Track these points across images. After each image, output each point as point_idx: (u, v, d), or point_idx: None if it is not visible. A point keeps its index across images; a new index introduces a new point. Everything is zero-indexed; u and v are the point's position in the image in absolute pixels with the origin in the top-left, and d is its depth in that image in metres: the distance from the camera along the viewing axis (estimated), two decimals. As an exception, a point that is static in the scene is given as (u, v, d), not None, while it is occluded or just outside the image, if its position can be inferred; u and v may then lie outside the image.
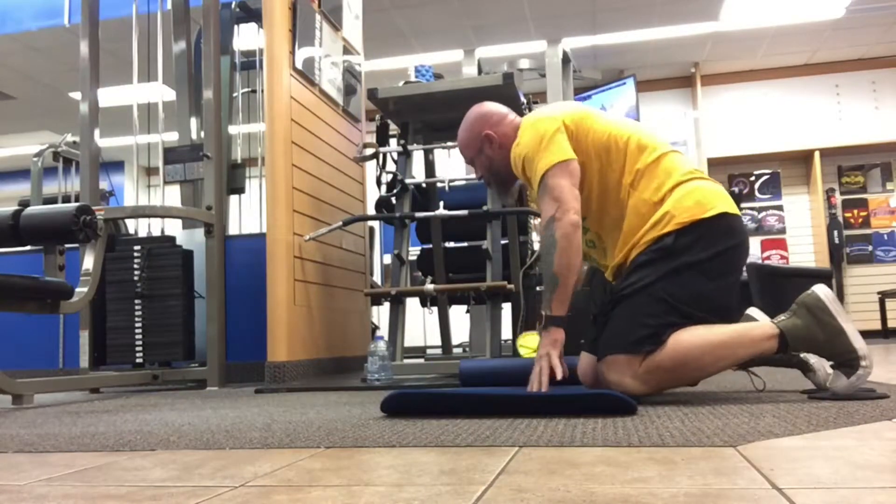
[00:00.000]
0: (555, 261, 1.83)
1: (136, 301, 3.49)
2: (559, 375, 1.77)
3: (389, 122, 3.64)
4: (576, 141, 1.92)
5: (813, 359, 1.81)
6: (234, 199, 4.36)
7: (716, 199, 1.85)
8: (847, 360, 1.70)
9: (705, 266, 1.79)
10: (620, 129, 1.94)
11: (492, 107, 2.17)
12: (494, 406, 1.67)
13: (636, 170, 1.89)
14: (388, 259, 5.64)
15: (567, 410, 1.60)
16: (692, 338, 1.73)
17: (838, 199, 7.49)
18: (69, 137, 5.50)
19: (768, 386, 2.06)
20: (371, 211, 4.08)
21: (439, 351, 4.49)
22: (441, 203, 3.30)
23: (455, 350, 4.52)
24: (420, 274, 4.12)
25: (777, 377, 2.25)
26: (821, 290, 1.74)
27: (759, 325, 1.79)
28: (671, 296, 1.76)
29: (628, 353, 1.75)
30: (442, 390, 1.77)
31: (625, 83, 7.20)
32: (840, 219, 7.41)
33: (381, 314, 5.95)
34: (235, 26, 4.44)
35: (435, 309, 3.67)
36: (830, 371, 1.78)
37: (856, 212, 7.46)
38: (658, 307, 1.76)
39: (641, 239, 1.84)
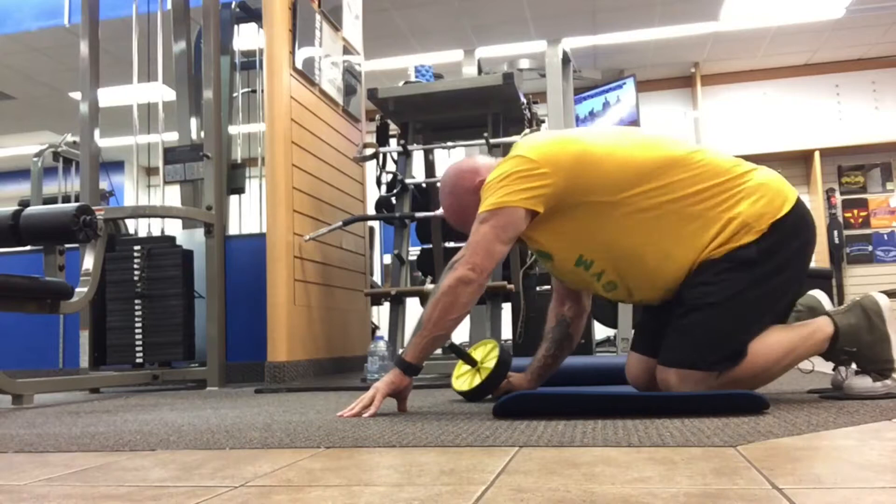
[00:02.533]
0: (429, 308, 1.70)
1: (136, 301, 3.49)
2: (364, 414, 1.67)
3: (389, 122, 3.64)
4: (575, 188, 1.70)
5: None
6: (234, 199, 4.36)
7: (782, 192, 1.72)
8: (880, 368, 1.71)
9: (792, 268, 1.71)
10: (633, 153, 1.72)
11: (464, 164, 1.92)
12: (622, 405, 1.59)
13: (666, 185, 1.68)
14: (388, 259, 5.64)
15: (691, 410, 1.51)
16: (765, 349, 1.68)
17: (838, 199, 7.49)
18: (69, 137, 5.50)
19: (770, 386, 2.06)
20: (371, 211, 4.08)
21: (439, 351, 4.49)
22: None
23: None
24: (420, 274, 4.12)
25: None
26: (881, 297, 1.75)
27: (819, 327, 1.74)
28: (759, 307, 1.67)
29: (707, 371, 1.64)
30: (561, 390, 1.70)
31: (625, 83, 7.20)
32: (840, 219, 7.41)
33: (381, 314, 5.95)
34: (235, 26, 4.44)
35: (435, 309, 3.66)
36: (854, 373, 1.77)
37: (856, 212, 7.46)
38: (745, 321, 1.66)
39: (714, 251, 1.67)
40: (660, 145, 1.75)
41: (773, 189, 1.71)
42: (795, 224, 1.71)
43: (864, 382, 1.71)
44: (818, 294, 1.86)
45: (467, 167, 1.90)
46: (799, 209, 1.72)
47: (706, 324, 1.66)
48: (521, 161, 1.71)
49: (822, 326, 1.75)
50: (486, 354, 1.99)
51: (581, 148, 1.73)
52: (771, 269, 1.67)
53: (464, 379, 2.00)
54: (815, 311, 1.80)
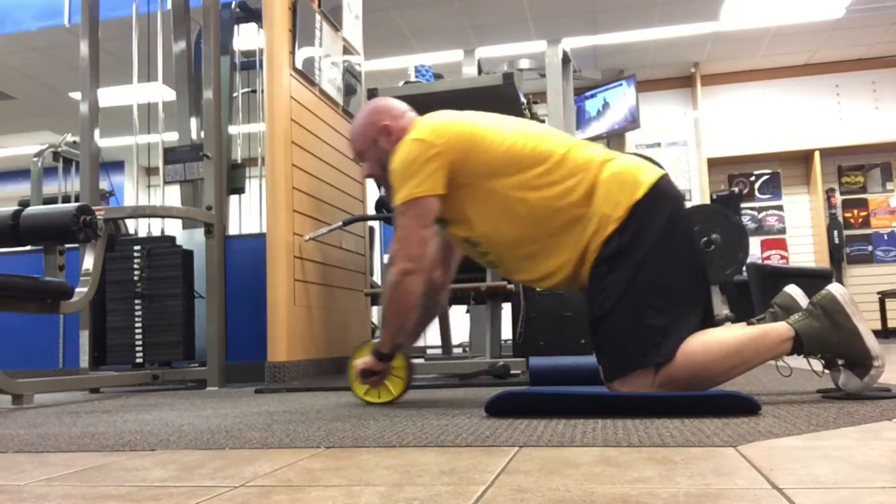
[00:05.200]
0: (385, 305, 1.88)
1: (136, 301, 3.49)
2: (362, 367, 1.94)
3: (389, 122, 3.63)
4: (462, 169, 1.82)
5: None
6: (234, 199, 4.36)
7: (638, 173, 1.77)
8: (860, 361, 1.68)
9: (670, 243, 1.72)
10: (518, 140, 1.83)
11: (393, 101, 2.08)
12: (610, 405, 1.60)
13: (541, 176, 1.78)
14: (388, 259, 5.65)
15: (685, 411, 1.51)
16: (702, 347, 1.67)
17: (838, 199, 7.49)
18: (69, 137, 5.51)
19: (770, 386, 2.06)
20: (371, 211, 4.08)
21: (439, 351, 4.49)
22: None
23: (455, 350, 4.52)
24: (420, 274, 4.11)
25: (777, 377, 2.25)
26: (837, 290, 1.70)
27: (773, 328, 1.72)
28: (653, 290, 1.68)
29: (638, 369, 1.67)
30: (552, 389, 1.70)
31: (625, 83, 7.21)
32: (840, 219, 7.41)
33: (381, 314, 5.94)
34: (235, 26, 4.44)
35: (435, 309, 3.66)
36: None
37: (856, 212, 7.46)
38: (646, 309, 1.68)
39: (588, 249, 1.75)
40: (542, 139, 1.84)
41: (625, 175, 1.76)
42: (654, 200, 1.74)
43: (854, 382, 1.68)
44: (792, 290, 1.81)
45: (382, 108, 2.04)
46: (658, 186, 1.75)
47: (613, 330, 1.72)
48: (417, 145, 1.83)
49: (777, 328, 1.72)
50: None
51: (472, 130, 1.85)
52: (644, 252, 1.71)
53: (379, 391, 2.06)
54: (790, 309, 1.76)
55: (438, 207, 1.84)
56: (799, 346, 1.69)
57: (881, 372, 1.68)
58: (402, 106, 2.07)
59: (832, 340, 1.68)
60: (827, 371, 1.75)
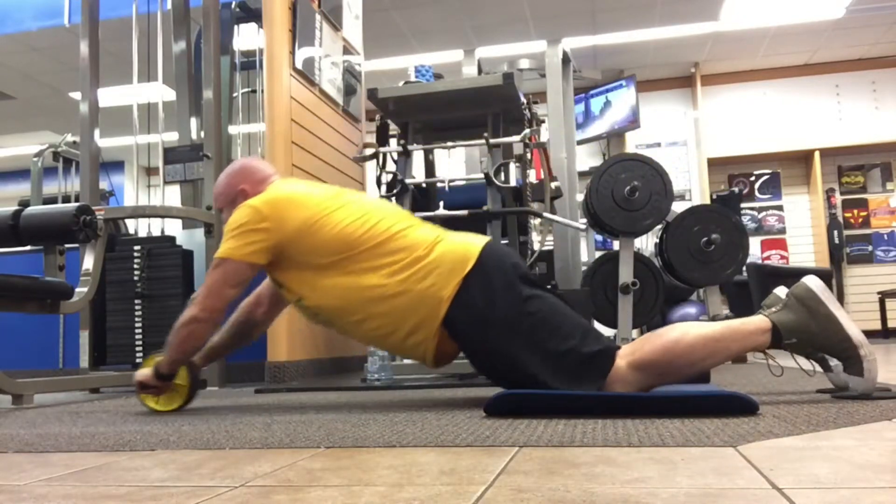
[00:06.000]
0: (173, 333, 1.96)
1: (136, 301, 3.49)
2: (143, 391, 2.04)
3: (389, 122, 3.64)
4: (291, 248, 1.89)
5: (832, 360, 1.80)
6: (234, 199, 4.35)
7: (461, 253, 1.83)
8: (847, 355, 1.67)
9: (510, 294, 1.78)
10: (352, 221, 1.89)
11: (259, 164, 2.16)
12: (610, 405, 1.60)
13: (373, 258, 1.85)
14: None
15: (685, 411, 1.51)
16: (683, 334, 1.71)
17: (838, 199, 7.49)
18: (69, 137, 5.51)
19: (769, 386, 2.06)
20: (371, 211, 4.07)
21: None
22: (441, 203, 3.29)
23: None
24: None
25: (777, 377, 2.25)
26: (811, 281, 1.72)
27: (751, 319, 1.75)
28: (537, 332, 1.75)
29: (602, 377, 1.70)
30: (551, 392, 1.72)
31: (625, 83, 7.21)
32: (840, 219, 7.41)
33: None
34: (235, 26, 4.44)
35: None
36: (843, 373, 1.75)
37: (856, 212, 7.46)
38: (553, 345, 1.74)
39: (427, 323, 1.81)
40: (378, 220, 1.91)
41: (452, 254, 1.83)
42: (484, 265, 1.81)
43: (857, 382, 1.67)
44: (780, 291, 1.78)
45: (244, 171, 2.10)
46: (483, 256, 1.82)
47: (553, 373, 1.73)
48: (250, 212, 1.91)
49: (754, 319, 1.74)
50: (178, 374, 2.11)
51: (308, 215, 1.90)
52: (501, 305, 1.77)
53: (159, 399, 2.12)
54: (801, 299, 1.72)
55: (250, 273, 1.94)
56: (778, 337, 1.69)
57: (873, 362, 1.66)
58: (267, 170, 2.13)
59: (811, 329, 1.68)
60: (820, 371, 1.75)
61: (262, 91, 3.70)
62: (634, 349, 1.74)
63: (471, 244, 1.87)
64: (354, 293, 1.86)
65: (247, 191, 2.04)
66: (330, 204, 1.93)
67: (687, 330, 1.73)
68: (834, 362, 1.74)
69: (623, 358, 1.72)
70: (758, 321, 1.73)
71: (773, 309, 1.74)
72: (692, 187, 7.54)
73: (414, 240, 1.88)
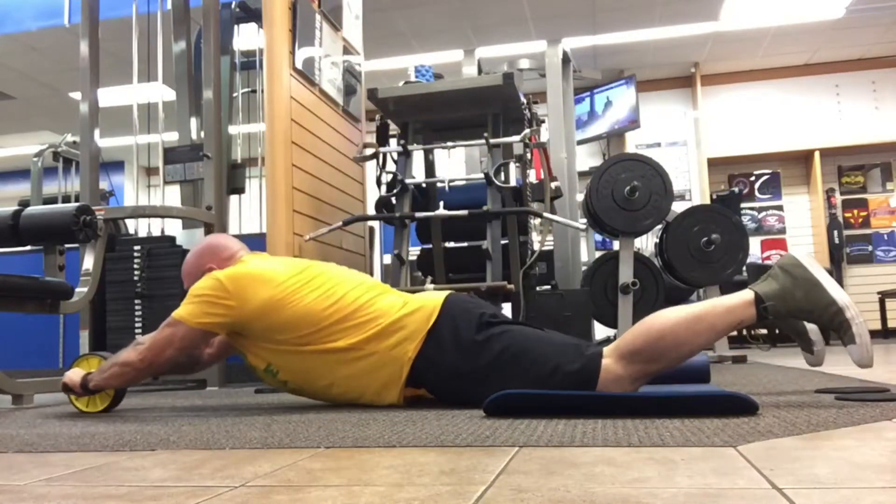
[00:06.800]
0: (107, 363, 2.01)
1: (136, 301, 3.49)
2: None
3: (389, 122, 3.64)
4: (255, 325, 1.94)
5: (813, 335, 1.80)
6: (234, 199, 4.36)
7: (424, 310, 1.88)
8: (835, 322, 1.64)
9: (473, 344, 1.82)
10: (317, 298, 1.93)
11: (225, 241, 2.19)
12: (610, 405, 1.60)
13: (338, 332, 1.90)
14: (388, 259, 5.64)
15: (685, 411, 1.51)
16: (666, 317, 1.70)
17: (838, 199, 7.49)
18: (69, 137, 5.51)
19: (769, 386, 2.06)
20: (371, 211, 4.08)
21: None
22: (441, 203, 3.30)
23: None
24: (420, 274, 4.12)
25: (777, 377, 2.25)
26: (796, 252, 1.73)
27: (734, 294, 1.73)
28: (520, 360, 1.78)
29: (594, 380, 1.71)
30: (551, 392, 1.72)
31: (625, 83, 7.21)
32: (840, 219, 7.41)
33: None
34: (235, 26, 4.44)
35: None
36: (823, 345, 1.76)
37: (856, 212, 7.46)
38: (536, 367, 1.76)
39: (393, 382, 1.88)
40: (343, 293, 1.95)
41: (418, 313, 1.89)
42: (446, 314, 1.87)
43: (852, 351, 1.63)
44: (794, 251, 1.79)
45: (211, 250, 2.15)
46: (444, 309, 1.88)
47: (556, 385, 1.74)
48: (215, 285, 1.94)
49: (738, 293, 1.72)
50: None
51: (272, 294, 1.93)
52: (455, 357, 1.82)
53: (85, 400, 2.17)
54: (785, 268, 1.73)
55: (201, 340, 2.03)
56: (764, 311, 1.66)
57: (862, 325, 1.63)
58: (233, 246, 2.16)
59: (796, 295, 1.66)
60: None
61: (262, 91, 3.70)
62: (618, 343, 1.74)
63: (432, 300, 1.92)
64: (319, 359, 1.92)
65: (214, 269, 2.07)
66: (296, 280, 1.96)
67: (666, 312, 1.72)
68: (814, 335, 1.74)
69: (609, 356, 1.72)
70: (741, 294, 1.71)
71: (758, 281, 1.73)
72: (692, 187, 7.54)
73: (380, 309, 1.92)
